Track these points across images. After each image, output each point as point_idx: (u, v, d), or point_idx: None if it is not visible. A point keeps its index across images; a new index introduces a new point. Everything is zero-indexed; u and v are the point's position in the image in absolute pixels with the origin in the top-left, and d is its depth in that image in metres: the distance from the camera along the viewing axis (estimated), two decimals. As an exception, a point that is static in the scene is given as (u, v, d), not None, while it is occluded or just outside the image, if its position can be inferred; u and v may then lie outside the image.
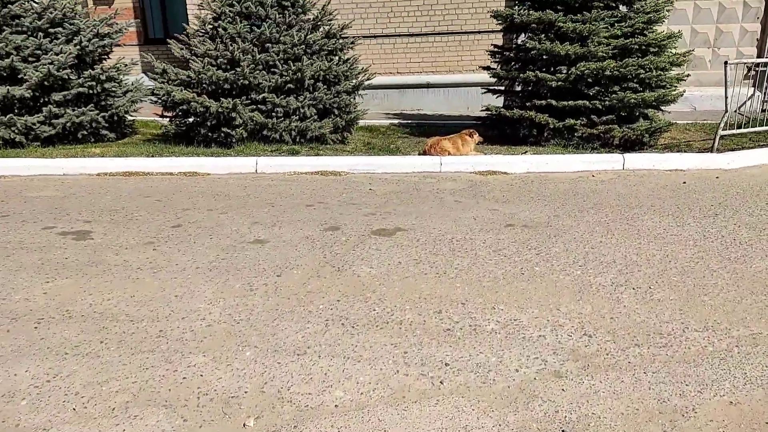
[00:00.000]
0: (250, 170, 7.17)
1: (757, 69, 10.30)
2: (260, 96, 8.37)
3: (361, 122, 12.69)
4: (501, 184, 6.77)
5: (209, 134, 8.54)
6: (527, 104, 8.71)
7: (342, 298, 3.71)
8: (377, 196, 6.20)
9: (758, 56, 11.72)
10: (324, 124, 8.82)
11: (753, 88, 10.45)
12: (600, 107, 8.20)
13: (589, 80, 8.16)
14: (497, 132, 9.61)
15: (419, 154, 7.59)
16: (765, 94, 10.15)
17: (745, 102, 9.80)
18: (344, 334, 3.27)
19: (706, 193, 6.25)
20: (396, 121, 12.98)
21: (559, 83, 8.32)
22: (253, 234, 4.84)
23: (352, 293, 3.80)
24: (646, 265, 4.30)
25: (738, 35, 11.98)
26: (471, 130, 7.85)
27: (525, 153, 7.72)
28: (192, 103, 8.22)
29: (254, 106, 8.48)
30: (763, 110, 9.39)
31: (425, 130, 11.81)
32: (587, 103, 8.24)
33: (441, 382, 2.85)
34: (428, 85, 14.38)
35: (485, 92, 10.03)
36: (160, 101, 8.84)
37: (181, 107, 8.50)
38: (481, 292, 3.85)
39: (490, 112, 9.18)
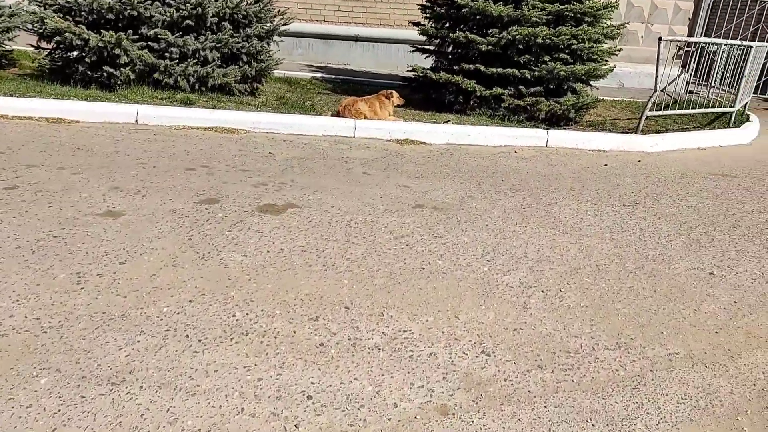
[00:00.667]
0: (129, 120, 6.14)
1: (686, 49, 10.17)
2: (152, 32, 7.21)
3: (279, 73, 11.67)
4: (418, 155, 6.16)
5: (89, 73, 7.32)
6: (455, 68, 8.08)
7: (196, 298, 2.98)
8: (275, 163, 5.42)
9: (689, 35, 11.65)
10: (229, 72, 7.80)
11: (681, 68, 10.34)
12: (529, 77, 7.70)
13: (520, 47, 7.61)
14: (422, 96, 8.95)
15: (332, 115, 6.82)
16: (690, 75, 10.06)
17: (672, 81, 9.64)
18: (185, 352, 2.55)
19: (627, 177, 5.93)
20: (319, 75, 12.02)
21: (489, 47, 7.72)
22: (108, 203, 3.97)
23: (212, 290, 3.08)
24: (559, 262, 3.85)
25: (671, 12, 11.83)
26: (390, 92, 7.12)
27: (447, 122, 7.12)
28: (67, 34, 6.96)
29: (144, 44, 7.33)
30: (689, 92, 9.28)
31: (349, 88, 10.97)
32: (516, 71, 7.71)
33: (296, 426, 2.23)
34: (357, 38, 13.40)
35: (413, 51, 9.30)
36: (33, 30, 7.49)
37: (56, 38, 7.20)
38: (371, 292, 3.25)
39: (416, 74, 8.49)
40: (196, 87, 7.63)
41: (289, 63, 13.55)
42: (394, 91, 7.14)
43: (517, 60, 7.76)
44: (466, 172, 5.67)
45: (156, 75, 7.32)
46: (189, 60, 7.39)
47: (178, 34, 7.31)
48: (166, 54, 7.35)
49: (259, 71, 8.26)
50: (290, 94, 9.32)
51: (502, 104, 7.86)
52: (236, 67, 7.97)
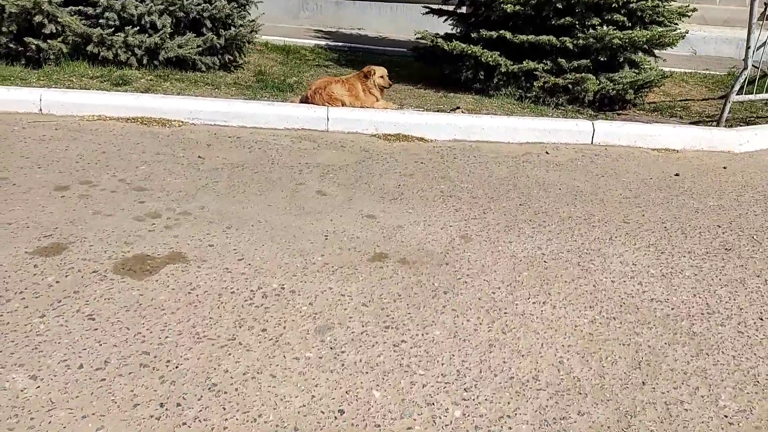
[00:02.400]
0: (31, 108, 4.66)
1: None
2: (83, -7, 5.69)
3: (277, 40, 10.02)
4: (407, 160, 4.46)
5: (11, 46, 5.88)
6: (473, 35, 6.24)
7: None
8: (197, 174, 3.85)
9: (782, -10, 9.26)
10: (186, 41, 6.23)
11: (774, 33, 8.08)
12: (571, 47, 5.79)
13: (559, 5, 5.69)
14: (433, 70, 7.17)
15: (301, 101, 5.15)
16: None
17: (761, 47, 7.48)
18: None
19: (710, 197, 4.09)
20: (324, 43, 10.28)
21: (518, 7, 5.83)
22: None
23: None
24: (600, 398, 2.16)
25: (760, -39, 9.45)
26: (370, 68, 5.35)
27: (455, 110, 5.34)
28: (-27, -3, 5.51)
29: (75, 8, 5.82)
30: (787, 65, 7.10)
31: (357, 59, 9.21)
32: (554, 39, 5.82)
33: None
34: (372, -2, 11.59)
35: (427, 12, 7.46)
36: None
37: (-31, 3, 5.76)
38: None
39: (424, 42, 6.70)
40: (145, 61, 6.09)
41: (293, 27, 11.88)
42: (376, 68, 5.38)
43: (555, 23, 5.86)
44: (469, 189, 3.96)
45: (90, 47, 5.80)
46: (127, 28, 5.82)
47: (114, -5, 5.75)
48: (101, 21, 5.82)
49: (231, 40, 6.64)
50: (279, 67, 7.69)
51: (535, 83, 6.01)
52: (195, 36, 6.38)
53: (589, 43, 5.78)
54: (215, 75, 6.57)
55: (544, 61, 5.99)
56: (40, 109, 4.62)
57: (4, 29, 5.78)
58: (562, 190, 4.06)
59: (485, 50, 6.04)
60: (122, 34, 5.76)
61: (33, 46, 5.77)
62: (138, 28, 6.01)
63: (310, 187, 3.78)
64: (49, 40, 5.77)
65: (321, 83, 4.99)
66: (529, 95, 6.18)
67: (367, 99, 5.20)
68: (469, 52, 6.01)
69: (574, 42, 5.77)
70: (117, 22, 5.86)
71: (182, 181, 3.69)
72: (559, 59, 5.89)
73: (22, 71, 5.62)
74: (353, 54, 9.74)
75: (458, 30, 6.54)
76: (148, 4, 5.87)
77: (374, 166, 4.25)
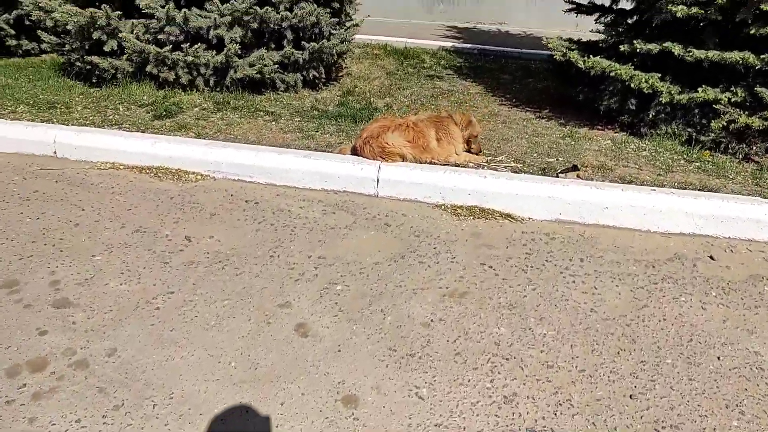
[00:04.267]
0: (46, 151, 4.02)
1: None
2: (143, 2, 4.98)
3: (398, 42, 8.79)
4: (472, 257, 2.95)
5: (77, 64, 5.44)
6: (623, 47, 4.35)
7: None
8: (162, 273, 2.77)
9: None
10: (258, 59, 5.26)
11: None
12: (781, 72, 3.69)
13: (766, 6, 3.61)
14: (565, 92, 5.36)
15: (352, 151, 3.83)
16: None
17: None
18: None
19: None
20: (451, 44, 8.76)
21: (694, 9, 3.85)
22: None
23: None
24: None
25: None
26: (456, 115, 3.82)
27: (568, 174, 3.59)
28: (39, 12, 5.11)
29: (140, 21, 5.15)
30: None
31: (485, 65, 7.63)
32: (752, 57, 3.75)
33: None
34: (518, -13, 9.75)
35: (570, 10, 5.61)
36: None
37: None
38: None
39: (553, 56, 4.94)
40: (212, 83, 5.26)
41: (424, 24, 10.47)
42: (459, 115, 3.84)
43: (755, 33, 3.76)
44: (554, 343, 2.36)
45: (149, 67, 5.12)
46: (184, 45, 4.99)
47: (174, 6, 4.95)
48: (160, 36, 5.08)
49: (316, 54, 5.56)
50: (381, 80, 6.46)
51: (714, 121, 3.98)
52: (269, 50, 5.38)
53: (815, 65, 3.61)
54: (293, 96, 5.55)
55: (733, 88, 3.93)
56: (55, 152, 3.95)
57: (67, 47, 5.36)
58: (736, 356, 2.26)
59: (637, 71, 4.14)
60: (181, 53, 4.95)
61: (90, 65, 5.26)
62: (206, 44, 5.20)
63: (292, 315, 2.50)
64: (110, 58, 5.21)
65: (374, 129, 3.63)
66: (703, 137, 4.17)
67: (442, 150, 3.72)
68: (613, 73, 4.17)
69: (789, 62, 3.65)
70: (180, 38, 5.08)
71: (128, 289, 2.65)
72: (759, 88, 3.80)
73: (72, 92, 5.12)
74: (482, 59, 8.10)
75: (607, 37, 4.65)
76: (212, 16, 4.99)
77: (414, 270, 2.82)
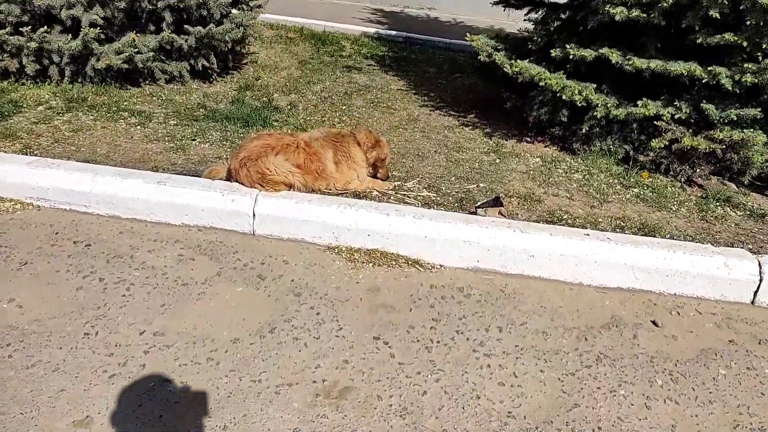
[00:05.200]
0: None
1: None
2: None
3: (318, 24, 7.96)
4: (365, 321, 2.27)
5: None
6: (554, 52, 3.76)
7: None
8: None
9: None
10: (129, 44, 4.31)
11: None
12: (729, 85, 3.21)
13: (714, 13, 3.10)
14: (493, 93, 4.78)
15: (226, 174, 3.01)
16: None
17: None
18: None
19: None
20: (375, 30, 8.00)
21: (635, 12, 3.29)
22: None
23: None
24: None
25: None
26: (363, 133, 3.12)
27: (487, 210, 2.95)
28: None
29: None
30: None
31: (409, 57, 6.92)
32: (698, 69, 3.25)
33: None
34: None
35: (497, 2, 5.00)
36: None
37: None
38: None
39: (479, 58, 4.31)
40: (68, 73, 4.26)
41: (347, 5, 9.65)
42: (374, 135, 3.14)
43: (702, 43, 3.25)
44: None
45: (-16, 53, 4.06)
46: (30, 28, 3.97)
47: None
48: (-5, 15, 4.03)
49: (205, 40, 4.66)
50: (290, 70, 5.64)
51: (655, 141, 3.48)
52: (137, 35, 4.44)
53: (765, 81, 3.15)
54: (177, 90, 4.66)
55: (677, 103, 3.44)
56: None
57: None
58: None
59: (570, 81, 3.57)
60: (22, 37, 3.93)
61: None
62: (61, 27, 4.20)
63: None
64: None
65: (254, 148, 2.84)
66: (642, 157, 3.68)
67: (341, 176, 2.99)
68: (543, 83, 3.58)
69: (736, 77, 3.17)
70: (23, 18, 4.06)
71: None
72: (705, 104, 3.31)
73: None
74: (408, 48, 7.39)
75: (537, 38, 4.05)
76: (62, -10, 3.99)
77: (285, 351, 2.11)
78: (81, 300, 2.28)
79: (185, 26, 4.58)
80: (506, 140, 4.12)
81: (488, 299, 2.49)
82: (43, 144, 3.27)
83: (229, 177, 2.91)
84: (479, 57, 4.21)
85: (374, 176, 3.13)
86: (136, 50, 4.33)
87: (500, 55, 4.00)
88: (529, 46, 4.04)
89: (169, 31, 4.47)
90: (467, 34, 4.39)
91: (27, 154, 3.11)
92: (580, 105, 3.59)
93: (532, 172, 3.54)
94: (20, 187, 2.81)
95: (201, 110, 4.24)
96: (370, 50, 7.03)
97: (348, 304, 2.39)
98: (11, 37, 3.91)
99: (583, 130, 3.76)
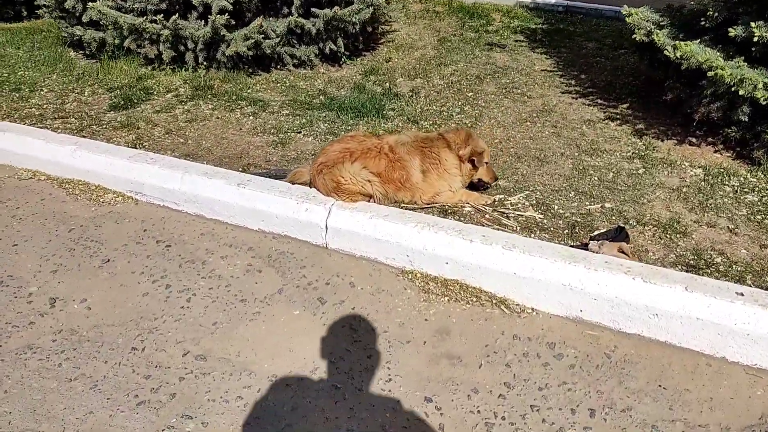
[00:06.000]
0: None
1: None
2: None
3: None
4: (423, 374, 1.89)
5: (76, 33, 4.77)
6: (732, 30, 2.85)
7: None
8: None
9: None
10: (257, 29, 4.27)
11: None
12: None
13: None
14: (658, 87, 3.88)
15: (309, 180, 2.75)
16: None
17: None
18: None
19: None
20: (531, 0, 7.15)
21: None
22: None
23: None
24: None
25: None
26: (453, 132, 2.62)
27: (602, 244, 2.31)
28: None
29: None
30: None
31: (566, 30, 5.99)
32: None
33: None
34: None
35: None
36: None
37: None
38: None
39: (635, 37, 3.48)
40: (201, 60, 4.38)
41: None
42: (465, 131, 2.63)
43: None
44: None
45: (126, 42, 4.31)
46: (158, 17, 4.10)
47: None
48: (137, 5, 4.23)
49: (334, 23, 4.47)
50: (424, 50, 5.25)
51: None
52: (264, 19, 4.36)
53: None
54: (304, 75, 4.56)
55: None
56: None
57: (55, 15, 4.70)
58: None
59: (752, 71, 2.69)
60: (157, 24, 4.09)
61: (79, 36, 4.56)
62: (197, 14, 4.31)
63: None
64: (92, 30, 4.49)
65: (333, 153, 2.55)
66: None
67: (428, 187, 2.57)
68: (712, 72, 2.75)
69: None
70: (161, 6, 4.21)
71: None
72: None
73: (56, 67, 4.46)
74: (567, 19, 6.46)
75: (712, 13, 3.13)
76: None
77: (321, 398, 1.84)
78: (143, 308, 2.23)
79: (312, 9, 4.41)
80: (662, 141, 3.31)
81: (585, 365, 1.94)
82: (156, 135, 3.34)
83: (310, 183, 2.67)
84: (634, 36, 3.40)
85: (476, 185, 2.66)
86: (263, 36, 4.27)
87: (662, 33, 3.18)
88: (702, 23, 3.13)
89: (297, 15, 4.34)
90: (624, 6, 3.58)
91: (138, 146, 3.20)
92: (765, 103, 2.68)
93: (686, 189, 2.76)
94: (121, 181, 2.87)
95: (320, 97, 4.08)
96: (521, 23, 6.30)
97: (408, 348, 2.03)
98: (150, 25, 4.07)
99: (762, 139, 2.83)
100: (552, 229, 2.44)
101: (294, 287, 2.32)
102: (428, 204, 2.58)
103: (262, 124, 3.58)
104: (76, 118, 3.55)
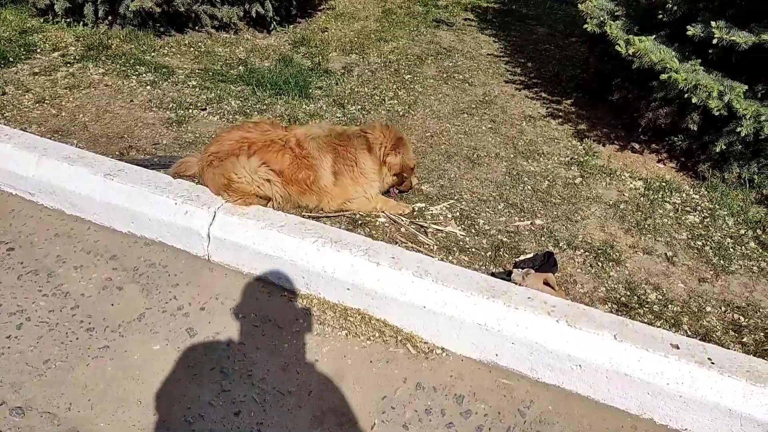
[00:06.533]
0: None
1: None
2: None
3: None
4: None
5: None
6: (691, 28, 2.53)
7: None
8: None
9: None
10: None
11: None
12: None
13: None
14: (606, 83, 3.56)
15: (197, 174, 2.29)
16: None
17: None
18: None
19: None
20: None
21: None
22: None
23: None
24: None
25: None
26: (378, 130, 2.23)
27: (519, 274, 1.97)
28: None
29: None
30: None
31: (520, 13, 5.56)
32: None
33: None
34: None
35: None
36: None
37: None
38: None
39: (585, 27, 3.12)
40: (100, 14, 3.74)
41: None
42: (394, 131, 2.24)
43: None
44: None
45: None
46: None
47: None
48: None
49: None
50: (366, 24, 4.75)
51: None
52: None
53: None
54: (225, 40, 4.00)
55: None
56: None
57: None
58: None
59: (708, 76, 2.39)
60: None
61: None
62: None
63: None
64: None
65: (228, 142, 2.09)
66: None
67: (339, 192, 2.16)
68: (666, 75, 2.43)
69: None
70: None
71: None
72: None
73: None
74: (518, 2, 6.02)
75: (671, 6, 2.80)
76: None
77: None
78: (-42, 334, 1.74)
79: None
80: (603, 145, 3.01)
81: (495, 427, 1.61)
82: (24, 103, 2.77)
83: (200, 176, 2.21)
84: (585, 26, 3.05)
85: (389, 191, 2.27)
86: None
87: (615, 25, 2.85)
88: (660, 16, 2.81)
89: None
90: (577, -7, 3.21)
91: (-3, 117, 2.62)
92: (717, 113, 2.40)
93: (623, 206, 2.47)
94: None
95: (239, 68, 3.56)
96: (473, 0, 5.87)
97: (289, 401, 1.65)
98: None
99: (718, 149, 2.56)
100: (474, 249, 2.09)
101: (159, 312, 1.89)
102: (337, 212, 2.17)
103: (159, 96, 3.05)
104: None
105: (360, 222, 2.17)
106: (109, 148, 2.50)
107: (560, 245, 2.11)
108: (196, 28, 4.08)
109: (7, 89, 2.86)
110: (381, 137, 2.19)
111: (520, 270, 1.88)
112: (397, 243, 2.04)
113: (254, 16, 4.15)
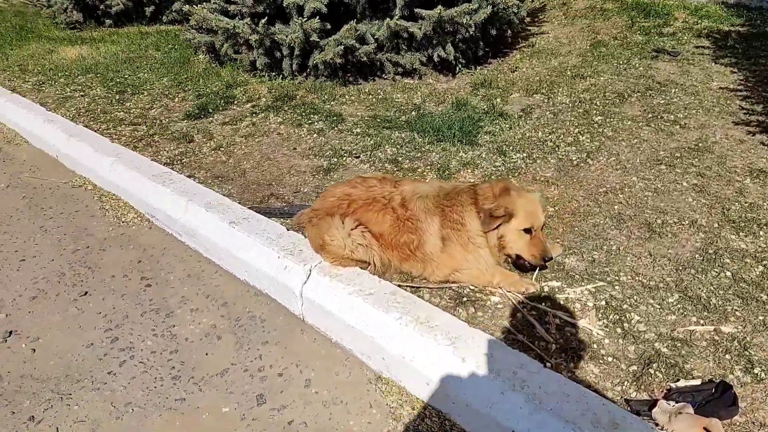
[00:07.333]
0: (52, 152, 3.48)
1: None
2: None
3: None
4: None
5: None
6: None
7: None
8: None
9: None
10: (349, 34, 3.78)
11: None
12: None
13: None
14: None
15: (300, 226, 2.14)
16: None
17: None
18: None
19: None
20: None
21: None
22: None
23: None
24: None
25: None
26: (488, 186, 1.77)
27: (662, 420, 1.32)
28: None
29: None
30: None
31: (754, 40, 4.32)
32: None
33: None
34: None
35: None
36: None
37: None
38: None
39: None
40: (294, 67, 4.03)
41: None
42: (503, 183, 1.76)
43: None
44: None
45: (224, 47, 4.14)
46: (246, 19, 3.80)
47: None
48: (231, 7, 4.02)
49: (443, 25, 3.78)
50: (567, 59, 4.27)
51: None
52: (357, 23, 3.82)
53: None
54: (407, 86, 3.98)
55: None
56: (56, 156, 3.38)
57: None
58: None
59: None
60: (246, 28, 3.83)
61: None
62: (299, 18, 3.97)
63: None
64: (195, 30, 4.43)
65: (330, 199, 1.93)
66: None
67: (448, 260, 1.80)
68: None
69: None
70: (258, 8, 3.95)
71: None
72: None
73: (173, 72, 4.49)
74: (761, 26, 4.72)
75: None
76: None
77: None
78: (74, 363, 1.90)
79: (417, 10, 3.78)
80: None
81: None
82: (203, 150, 3.06)
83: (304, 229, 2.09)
84: None
85: (519, 262, 1.83)
86: (359, 41, 3.78)
87: None
88: None
89: (399, 16, 3.76)
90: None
91: (177, 161, 2.94)
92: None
93: None
94: (141, 201, 2.62)
95: (411, 113, 3.47)
96: (711, 24, 4.90)
97: None
98: (241, 28, 3.84)
99: None
100: (611, 358, 1.52)
101: (242, 370, 1.79)
102: (443, 282, 1.82)
103: (321, 144, 3.09)
104: (147, 126, 3.44)
105: (466, 299, 1.77)
106: (256, 195, 2.57)
107: (754, 372, 1.40)
108: (383, 75, 4.12)
109: (196, 137, 3.21)
110: (489, 190, 1.78)
111: (672, 404, 1.28)
112: (503, 334, 1.59)
113: (436, 60, 4.02)
